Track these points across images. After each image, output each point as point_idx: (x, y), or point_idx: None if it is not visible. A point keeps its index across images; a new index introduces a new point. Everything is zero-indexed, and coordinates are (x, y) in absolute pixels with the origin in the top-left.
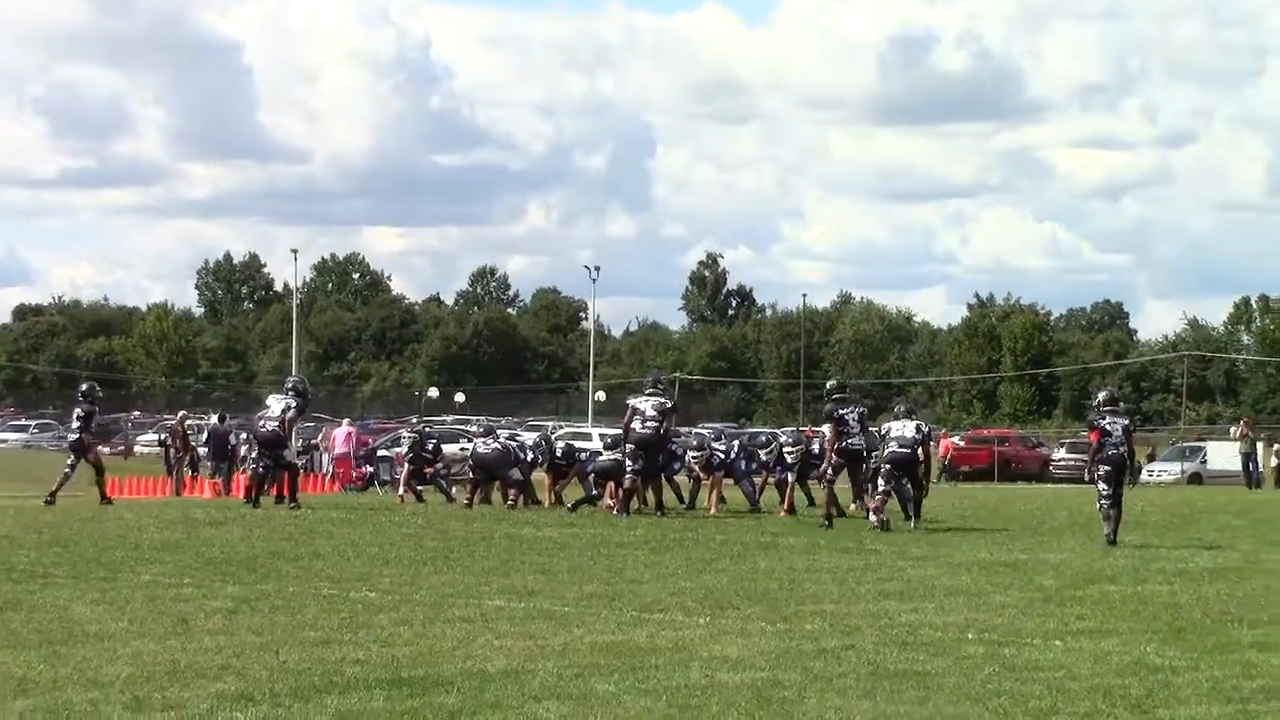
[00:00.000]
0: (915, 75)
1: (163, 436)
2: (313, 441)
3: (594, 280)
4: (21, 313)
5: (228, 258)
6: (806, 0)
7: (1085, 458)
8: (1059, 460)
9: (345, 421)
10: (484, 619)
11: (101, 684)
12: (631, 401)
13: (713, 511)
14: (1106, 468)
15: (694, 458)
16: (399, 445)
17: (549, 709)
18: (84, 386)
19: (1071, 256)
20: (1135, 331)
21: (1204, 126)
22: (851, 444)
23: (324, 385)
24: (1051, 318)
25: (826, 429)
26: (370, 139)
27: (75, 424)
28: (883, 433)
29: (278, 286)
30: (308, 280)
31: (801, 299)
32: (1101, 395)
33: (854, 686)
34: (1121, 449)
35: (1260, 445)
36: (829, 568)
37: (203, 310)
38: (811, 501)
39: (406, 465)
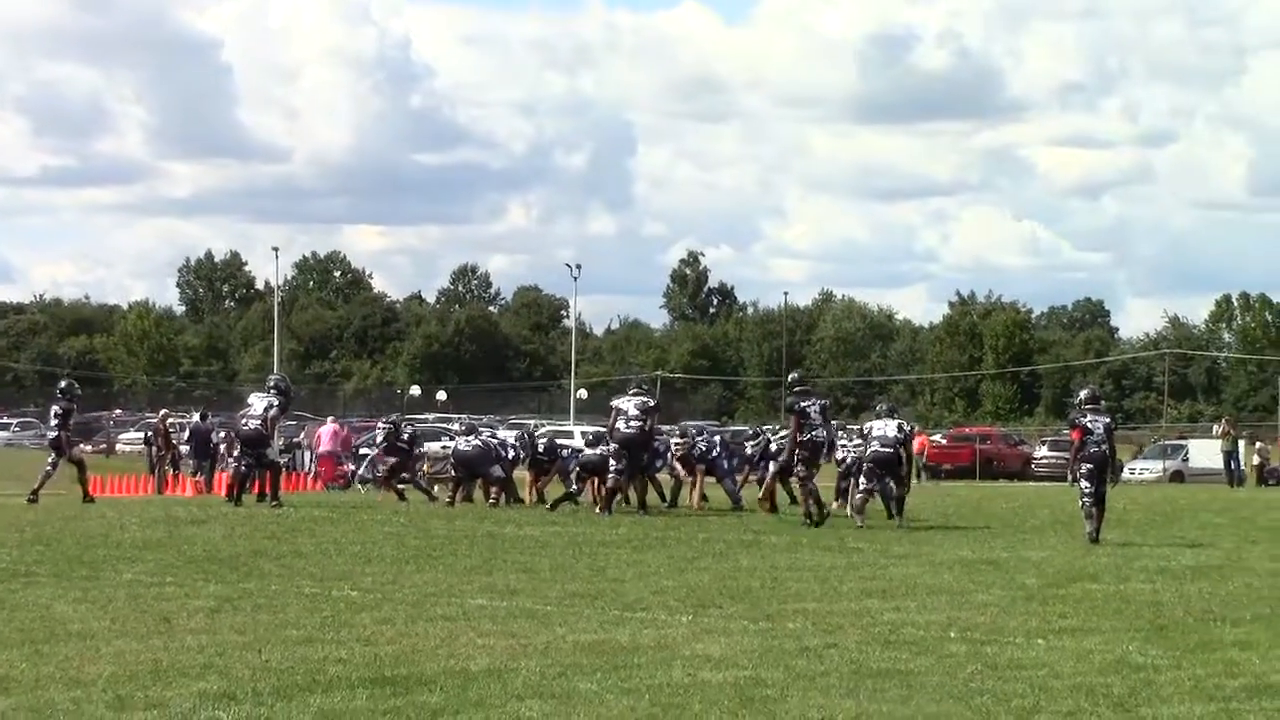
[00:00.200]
0: (895, 74)
1: (148, 434)
2: (295, 440)
3: (575, 278)
4: (2, 311)
5: (209, 256)
6: None
7: (1067, 456)
8: (1041, 458)
9: (330, 419)
10: (466, 618)
11: (84, 683)
12: (615, 402)
13: (695, 508)
14: (1089, 466)
15: (677, 444)
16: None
17: (531, 708)
18: (62, 384)
19: (1051, 255)
20: (1116, 330)
21: (1184, 125)
22: (815, 436)
23: (306, 384)
24: (1032, 316)
25: (789, 421)
26: (351, 138)
27: (53, 421)
28: (864, 431)
29: (259, 285)
30: (289, 279)
31: (783, 297)
32: (1083, 394)
33: (836, 685)
34: (1103, 447)
35: (1242, 443)
36: (811, 566)
37: (184, 309)
38: (793, 499)
39: (385, 459)
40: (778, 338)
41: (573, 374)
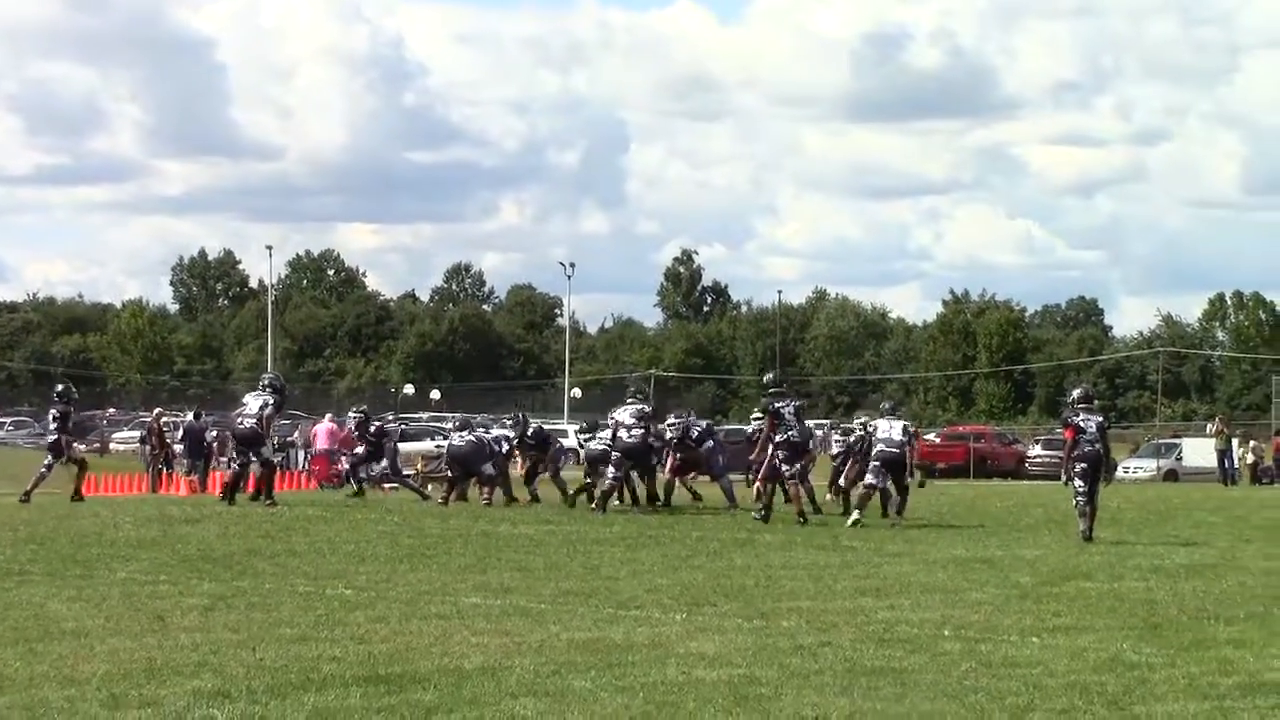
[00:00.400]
0: (889, 72)
1: (143, 433)
2: (289, 438)
3: (569, 277)
4: None
5: (202, 254)
6: None
7: (1061, 454)
8: (1034, 457)
9: (328, 417)
10: (460, 616)
11: (78, 681)
12: (613, 416)
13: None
14: (1083, 465)
15: (671, 425)
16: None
17: (526, 706)
18: (59, 387)
19: (1045, 253)
20: (1110, 328)
21: (1178, 124)
22: (791, 436)
23: (299, 382)
24: (1026, 314)
25: (764, 422)
26: (344, 136)
27: (52, 425)
28: (869, 429)
29: (253, 283)
30: (282, 277)
31: (777, 295)
32: (1076, 393)
33: (831, 683)
34: (1097, 445)
35: (1235, 442)
36: (805, 564)
37: (178, 307)
38: (788, 498)
39: (355, 451)
40: (771, 336)
41: (566, 373)
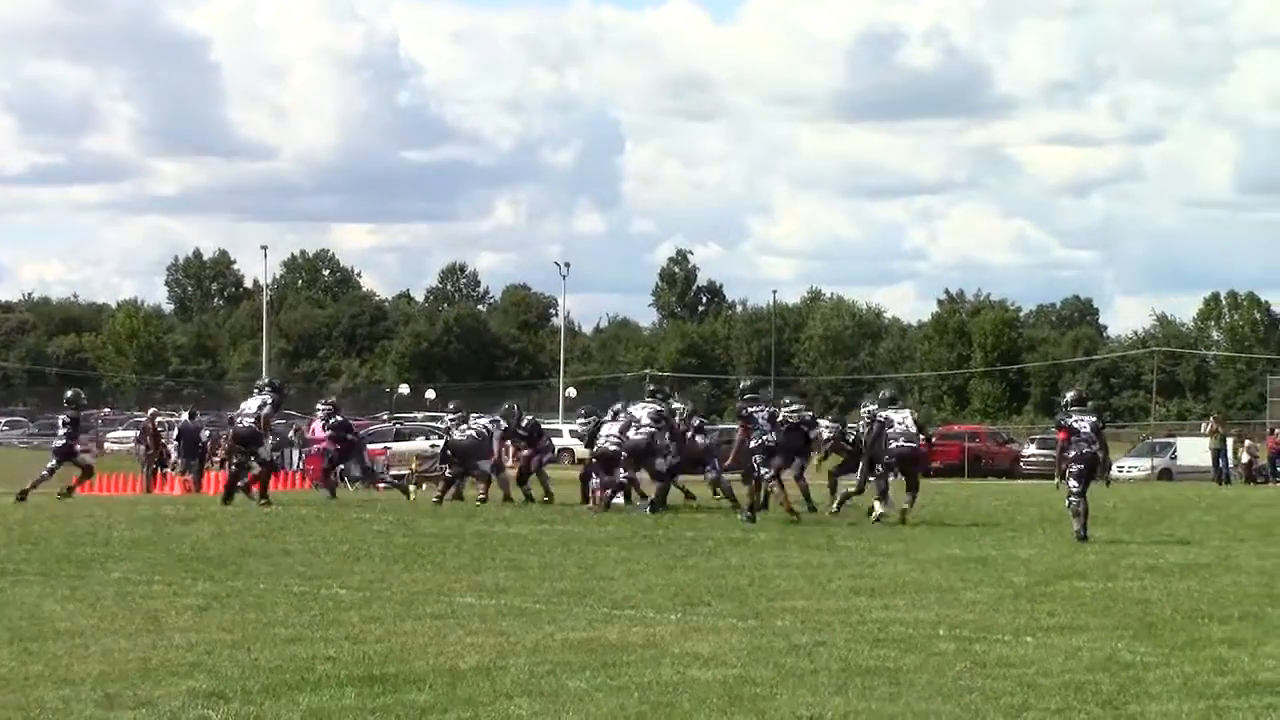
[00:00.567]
0: (883, 72)
1: (138, 433)
2: (287, 436)
3: (564, 277)
4: None
5: (197, 254)
6: None
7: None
8: (1029, 456)
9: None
10: (455, 616)
11: (73, 681)
12: (631, 410)
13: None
14: (1079, 466)
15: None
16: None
17: (520, 706)
18: (69, 394)
19: (1040, 253)
20: (1105, 328)
21: (1172, 123)
22: (765, 441)
23: (295, 382)
24: (1021, 314)
25: (738, 427)
26: (339, 135)
27: (61, 430)
28: (880, 420)
29: (247, 283)
30: (277, 277)
31: (771, 295)
32: (1069, 395)
33: (825, 683)
34: (1094, 447)
35: (1230, 441)
36: (800, 564)
37: (173, 307)
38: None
39: (327, 445)
40: (766, 336)
41: (561, 372)
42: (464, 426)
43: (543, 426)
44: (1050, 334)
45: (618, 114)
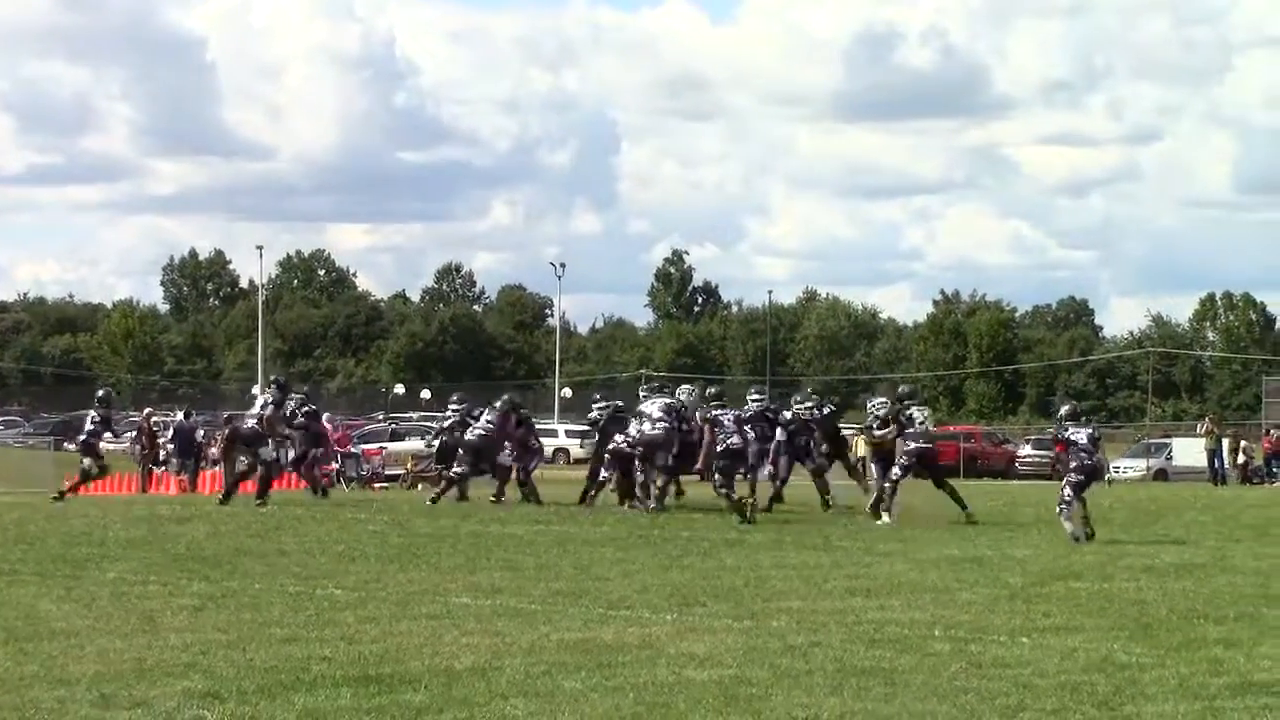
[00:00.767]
0: (881, 72)
1: (134, 433)
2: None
3: (559, 277)
4: None
5: (193, 254)
6: None
7: (1050, 455)
8: (1025, 457)
9: (324, 417)
10: (451, 616)
11: (68, 681)
12: (641, 408)
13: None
14: (1080, 477)
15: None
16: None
17: (516, 706)
18: (100, 392)
19: (1037, 253)
20: (1101, 328)
21: (1170, 124)
22: (731, 444)
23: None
24: (1017, 314)
25: (705, 431)
26: (335, 135)
27: (89, 426)
28: (905, 419)
29: (243, 283)
30: (273, 277)
31: (767, 296)
32: (1064, 410)
33: (821, 683)
34: (1095, 458)
35: (1225, 441)
36: (795, 564)
37: (168, 307)
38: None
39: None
40: (762, 336)
41: (557, 373)
42: (475, 426)
43: (535, 426)
44: (1046, 334)
45: (614, 114)
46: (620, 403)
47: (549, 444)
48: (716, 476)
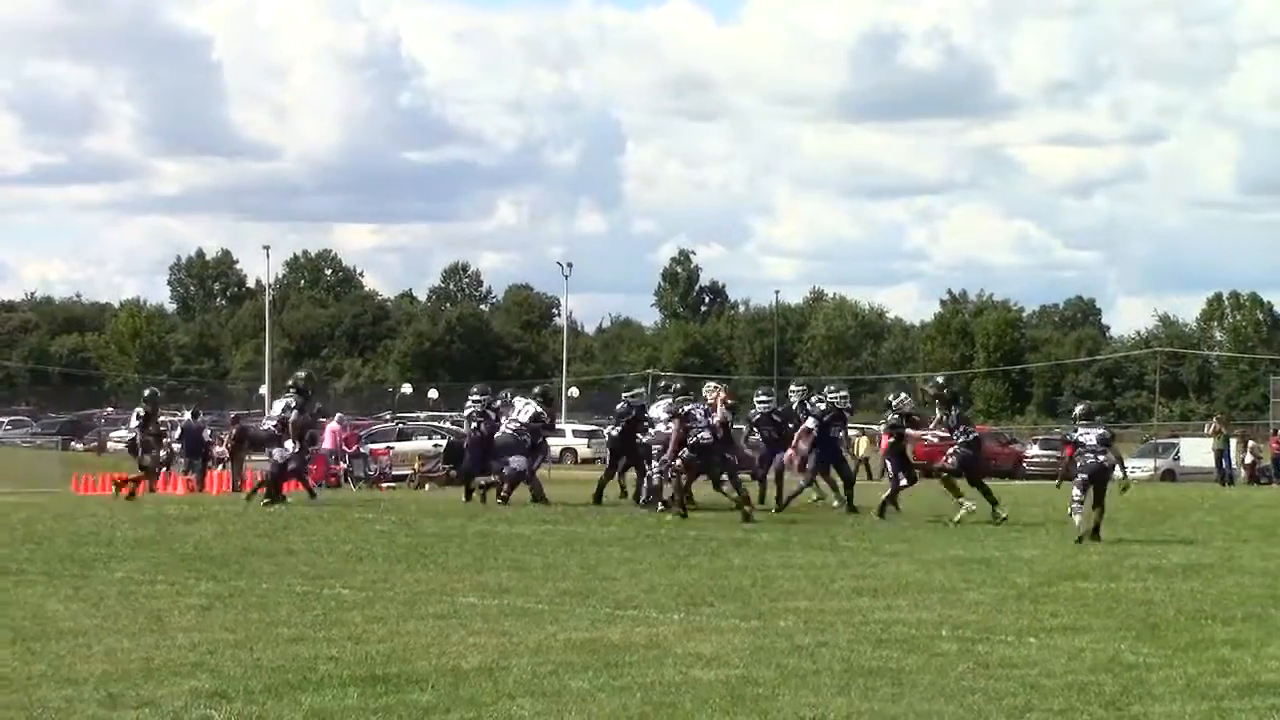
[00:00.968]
0: (885, 72)
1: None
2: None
3: (566, 277)
4: None
5: (200, 254)
6: None
7: (1058, 455)
8: (1032, 457)
9: (336, 418)
10: (458, 616)
11: (76, 681)
12: (650, 412)
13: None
14: (1083, 476)
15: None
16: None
17: (523, 706)
18: (147, 392)
19: (1042, 253)
20: (1108, 328)
21: (1174, 123)
22: (701, 439)
23: None
24: (1024, 314)
25: (673, 425)
26: (341, 135)
27: (134, 423)
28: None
29: (250, 283)
30: (280, 277)
31: (774, 295)
32: (1078, 409)
33: (828, 683)
34: (1100, 458)
35: (1233, 441)
36: (803, 564)
37: (175, 307)
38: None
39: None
40: (769, 336)
41: (564, 372)
42: (502, 429)
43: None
44: (1053, 334)
45: (619, 114)
46: (644, 403)
47: (556, 444)
48: (678, 464)
